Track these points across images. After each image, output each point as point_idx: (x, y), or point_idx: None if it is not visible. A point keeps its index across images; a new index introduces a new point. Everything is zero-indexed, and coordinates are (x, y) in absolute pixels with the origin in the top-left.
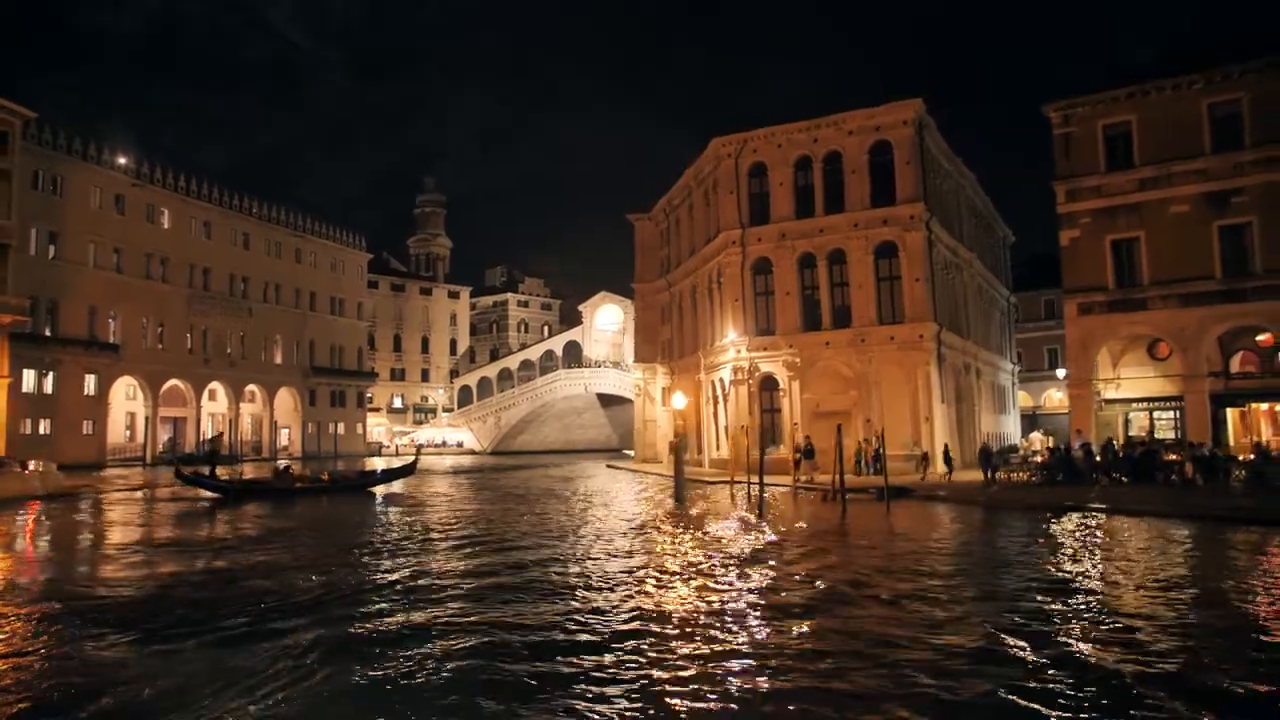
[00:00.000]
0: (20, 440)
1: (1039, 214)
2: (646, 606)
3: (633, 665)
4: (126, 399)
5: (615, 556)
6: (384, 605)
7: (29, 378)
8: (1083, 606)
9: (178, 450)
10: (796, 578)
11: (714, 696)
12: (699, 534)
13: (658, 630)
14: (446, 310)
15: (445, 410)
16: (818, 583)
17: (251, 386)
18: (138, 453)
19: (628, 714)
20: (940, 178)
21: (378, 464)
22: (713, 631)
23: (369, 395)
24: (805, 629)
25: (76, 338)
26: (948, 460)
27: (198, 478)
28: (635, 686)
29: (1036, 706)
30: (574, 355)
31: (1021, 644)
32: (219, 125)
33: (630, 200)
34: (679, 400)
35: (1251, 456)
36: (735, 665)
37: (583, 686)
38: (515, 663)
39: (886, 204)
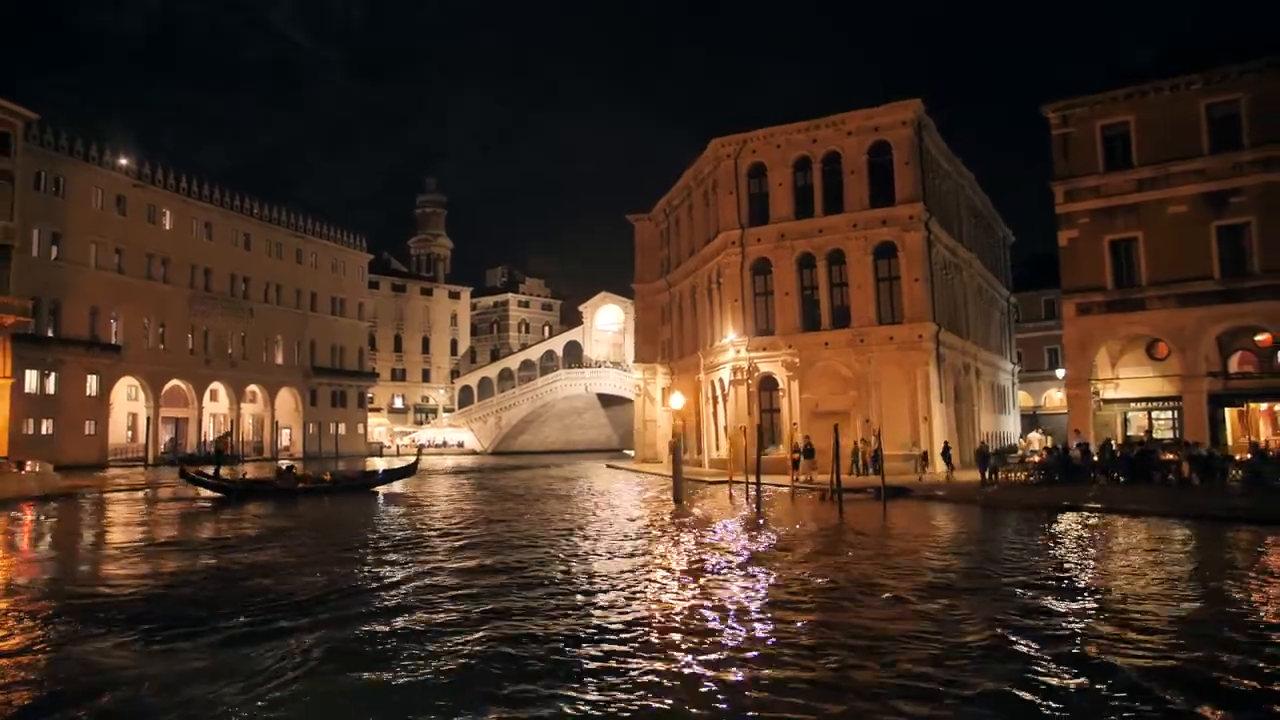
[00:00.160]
0: (23, 441)
1: (1039, 214)
2: (645, 605)
3: (633, 664)
4: (128, 399)
5: (614, 556)
6: (386, 605)
7: (31, 378)
8: (1076, 605)
9: (179, 451)
10: (793, 575)
11: (715, 694)
12: (696, 533)
13: (658, 629)
14: (447, 310)
15: (446, 410)
16: (815, 580)
17: (253, 387)
18: (139, 453)
19: (629, 712)
20: (939, 178)
21: (379, 464)
22: (712, 628)
23: (370, 395)
24: (801, 624)
25: (78, 338)
26: (947, 460)
27: (201, 477)
28: (636, 685)
29: (1037, 700)
30: (574, 355)
31: (1018, 641)
32: (219, 125)
33: (630, 200)
34: (677, 400)
35: (1248, 456)
36: (734, 664)
37: (584, 686)
38: (516, 662)
39: (885, 204)
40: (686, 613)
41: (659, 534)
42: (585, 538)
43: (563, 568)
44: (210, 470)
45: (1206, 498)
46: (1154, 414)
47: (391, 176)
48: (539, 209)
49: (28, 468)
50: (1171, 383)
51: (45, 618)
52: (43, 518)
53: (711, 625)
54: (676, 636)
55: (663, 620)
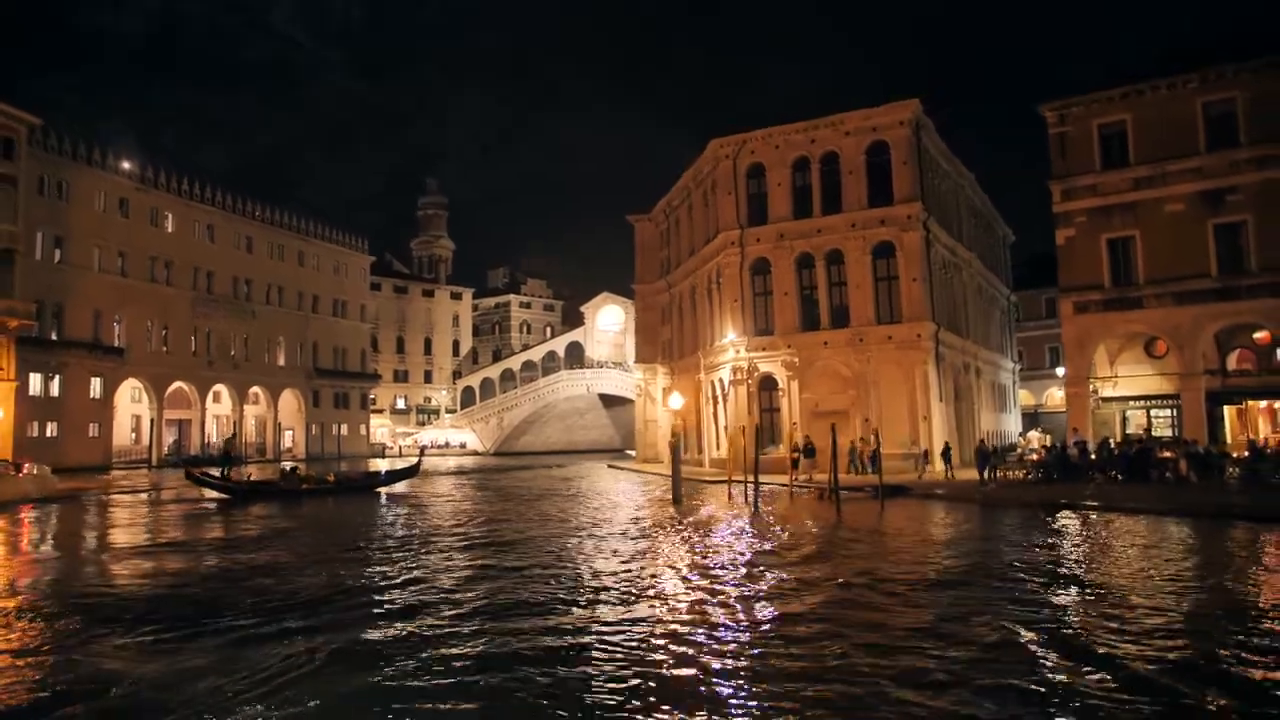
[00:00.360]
0: (27, 443)
1: (1039, 213)
2: (646, 604)
3: (634, 663)
4: (132, 402)
5: (614, 556)
6: (389, 605)
7: (35, 381)
8: (1074, 600)
9: (183, 452)
10: (789, 572)
11: (717, 691)
12: (695, 532)
13: (658, 627)
14: (449, 312)
15: (448, 411)
16: (812, 577)
17: (255, 388)
18: (143, 455)
19: (630, 711)
20: (938, 178)
21: (382, 465)
22: (711, 625)
23: (372, 397)
24: (799, 621)
25: (82, 341)
26: (947, 459)
27: (207, 479)
28: (638, 684)
29: (1042, 690)
30: (576, 356)
31: (1019, 633)
32: (219, 125)
33: (630, 200)
34: (676, 400)
35: (1246, 454)
36: (735, 662)
37: (588, 686)
38: (517, 661)
39: (884, 204)
40: (687, 610)
41: (658, 533)
42: (586, 537)
43: (564, 567)
44: (216, 471)
45: (1203, 495)
46: (1153, 412)
47: (392, 177)
48: (539, 209)
49: (25, 470)
50: (1170, 381)
51: (47, 617)
52: (43, 519)
53: (712, 620)
54: (675, 636)
55: (661, 619)
